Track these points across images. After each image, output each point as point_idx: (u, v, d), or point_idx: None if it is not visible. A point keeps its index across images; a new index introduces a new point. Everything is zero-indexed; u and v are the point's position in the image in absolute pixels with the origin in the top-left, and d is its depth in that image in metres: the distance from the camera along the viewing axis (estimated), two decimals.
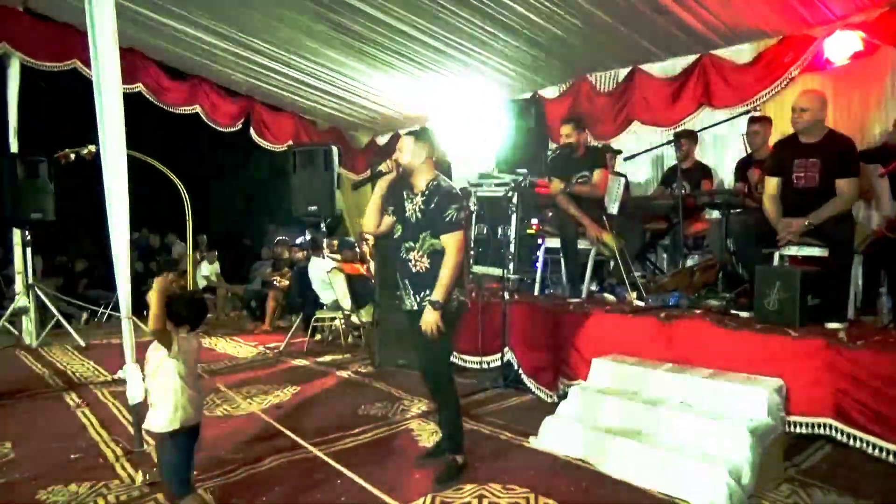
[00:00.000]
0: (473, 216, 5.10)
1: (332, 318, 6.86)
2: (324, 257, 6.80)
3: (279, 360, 6.19)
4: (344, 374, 5.47)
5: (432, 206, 3.12)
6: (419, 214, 3.17)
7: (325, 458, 2.58)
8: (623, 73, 6.60)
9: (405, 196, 3.26)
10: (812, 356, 3.25)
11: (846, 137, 3.91)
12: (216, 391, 4.79)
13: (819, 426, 3.22)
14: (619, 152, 6.05)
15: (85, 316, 8.88)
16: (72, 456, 3.57)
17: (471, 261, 4.28)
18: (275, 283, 8.37)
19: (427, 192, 3.17)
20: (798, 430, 3.29)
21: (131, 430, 3.74)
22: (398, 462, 3.38)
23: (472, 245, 4.78)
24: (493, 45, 6.33)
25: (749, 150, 5.19)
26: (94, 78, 3.52)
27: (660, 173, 6.23)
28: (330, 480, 3.14)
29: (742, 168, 5.28)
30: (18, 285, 7.15)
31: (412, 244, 3.17)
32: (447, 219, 3.06)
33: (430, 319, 3.04)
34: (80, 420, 4.27)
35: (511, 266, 4.94)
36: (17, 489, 3.14)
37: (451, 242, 3.06)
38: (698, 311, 4.03)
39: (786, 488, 2.96)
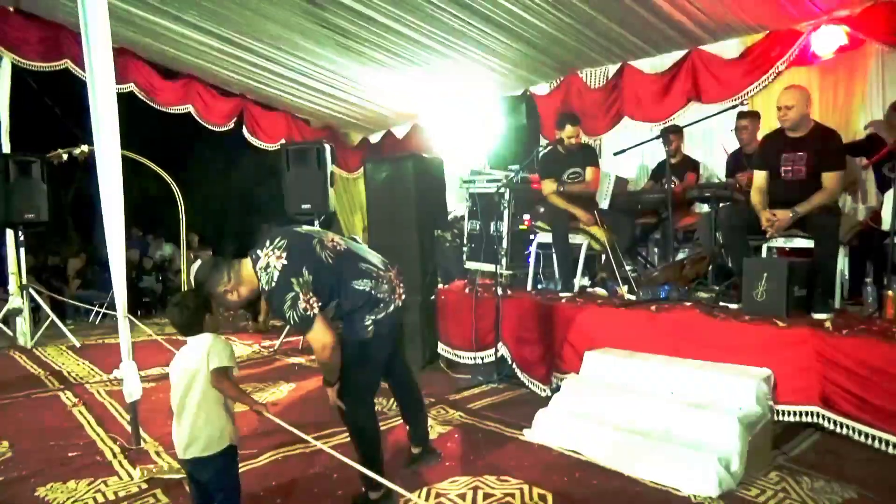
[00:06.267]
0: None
1: None
2: None
3: (274, 359, 6.22)
4: None
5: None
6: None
7: (327, 449, 2.63)
8: (613, 69, 6.63)
9: None
10: (799, 346, 3.31)
11: (832, 130, 3.96)
12: None
13: (806, 414, 3.28)
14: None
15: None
16: (70, 454, 3.60)
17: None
18: None
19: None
20: (786, 418, 3.35)
21: (128, 427, 3.79)
22: (393, 455, 3.41)
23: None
24: (483, 42, 6.36)
25: (739, 145, 5.26)
26: (88, 77, 3.52)
27: (648, 168, 6.28)
28: (326, 474, 3.19)
29: (731, 162, 5.35)
30: (12, 286, 7.15)
31: None
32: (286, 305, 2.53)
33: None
34: (77, 419, 4.30)
35: (504, 262, 4.99)
36: (17, 487, 3.17)
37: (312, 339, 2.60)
38: (688, 304, 4.08)
39: (774, 475, 3.02)
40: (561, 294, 4.71)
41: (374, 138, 9.99)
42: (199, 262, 9.89)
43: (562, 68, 6.93)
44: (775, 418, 3.34)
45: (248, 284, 2.61)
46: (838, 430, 3.16)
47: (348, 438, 2.92)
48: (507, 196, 5.00)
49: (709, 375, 3.42)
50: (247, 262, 2.62)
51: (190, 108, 8.33)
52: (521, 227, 5.24)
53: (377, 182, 5.82)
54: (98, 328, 8.45)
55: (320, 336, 2.55)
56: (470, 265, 5.39)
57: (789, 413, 3.33)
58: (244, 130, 8.97)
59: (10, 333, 7.16)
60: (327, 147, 6.66)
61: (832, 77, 5.18)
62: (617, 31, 5.86)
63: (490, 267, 5.00)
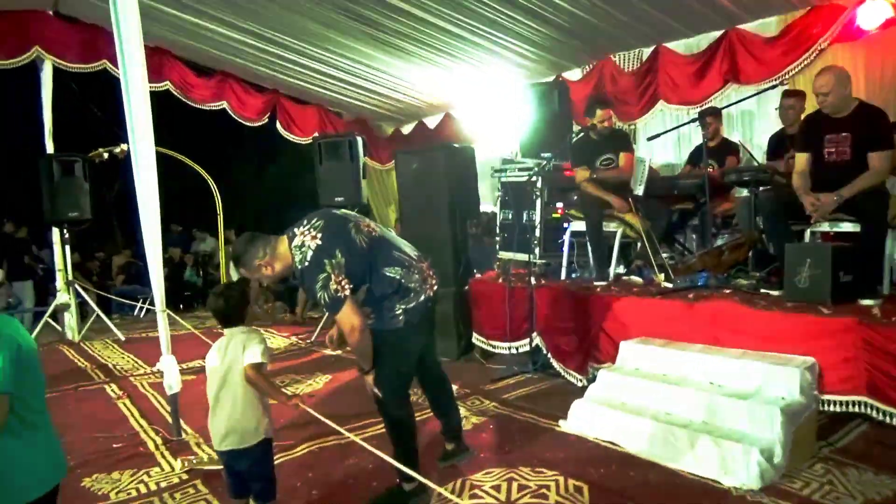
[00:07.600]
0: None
1: None
2: None
3: (311, 350, 6.30)
4: None
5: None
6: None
7: (360, 442, 2.64)
8: (647, 51, 6.50)
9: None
10: (845, 334, 3.18)
11: (878, 109, 3.78)
12: None
13: (853, 404, 3.16)
14: None
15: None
16: (114, 445, 3.71)
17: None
18: None
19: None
20: (832, 408, 3.23)
21: (170, 419, 3.87)
22: (428, 447, 3.41)
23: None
24: (513, 28, 6.30)
25: (782, 125, 5.08)
26: (122, 76, 3.60)
27: (685, 153, 6.12)
28: (362, 465, 3.21)
29: (774, 143, 5.17)
30: (59, 282, 7.38)
31: None
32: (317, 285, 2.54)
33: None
34: (122, 411, 4.43)
35: (537, 251, 4.93)
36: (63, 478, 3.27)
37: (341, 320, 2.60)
38: (727, 291, 3.96)
39: (819, 467, 2.93)
40: (595, 283, 4.63)
41: (406, 129, 10.00)
42: None
43: (594, 53, 6.82)
44: (820, 409, 3.23)
45: (283, 261, 2.64)
46: (887, 420, 3.04)
47: (382, 430, 2.93)
48: (539, 184, 4.94)
49: (750, 365, 3.32)
50: (283, 239, 2.65)
51: (224, 105, 8.47)
52: (553, 215, 5.17)
53: (409, 173, 5.82)
54: (142, 322, 8.67)
55: (349, 318, 2.55)
56: (503, 255, 5.35)
57: (835, 403, 3.21)
58: (278, 125, 9.08)
59: (59, 328, 7.41)
60: (359, 139, 6.68)
61: (878, 53, 4.98)
62: (650, 12, 5.73)
63: (523, 256, 4.95)
